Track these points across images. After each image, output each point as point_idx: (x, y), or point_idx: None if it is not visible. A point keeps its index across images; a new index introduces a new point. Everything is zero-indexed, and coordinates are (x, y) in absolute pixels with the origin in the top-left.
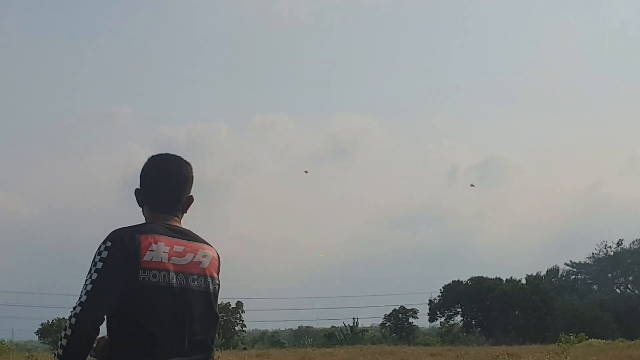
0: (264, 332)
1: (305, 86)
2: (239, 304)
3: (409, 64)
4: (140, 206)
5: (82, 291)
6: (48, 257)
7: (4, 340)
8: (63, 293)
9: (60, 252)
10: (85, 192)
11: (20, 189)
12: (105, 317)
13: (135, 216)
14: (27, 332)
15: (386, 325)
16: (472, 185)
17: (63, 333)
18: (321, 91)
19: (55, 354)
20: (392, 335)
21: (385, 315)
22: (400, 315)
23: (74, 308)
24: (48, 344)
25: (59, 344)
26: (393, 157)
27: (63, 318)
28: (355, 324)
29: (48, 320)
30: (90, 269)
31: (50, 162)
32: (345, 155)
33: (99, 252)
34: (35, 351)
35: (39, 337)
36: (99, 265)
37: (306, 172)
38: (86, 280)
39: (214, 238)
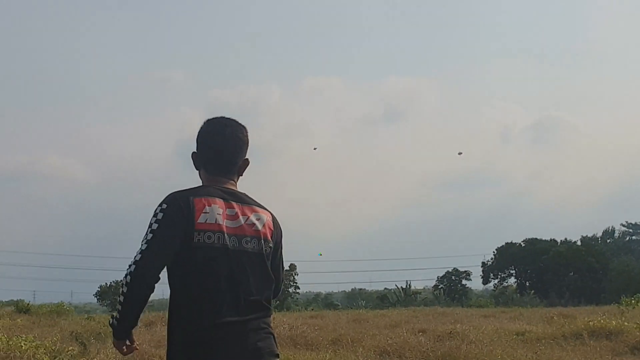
0: (318, 294)
1: (357, 48)
2: (293, 267)
3: (462, 24)
4: (196, 169)
5: (137, 250)
6: (105, 221)
7: (63, 302)
8: (120, 256)
9: (117, 216)
10: (140, 157)
11: (77, 155)
12: (159, 276)
13: (189, 180)
14: (86, 295)
15: (439, 287)
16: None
17: (120, 290)
18: (373, 53)
19: (112, 315)
20: (445, 298)
21: (438, 277)
22: (453, 277)
23: (129, 266)
24: (106, 306)
25: (118, 300)
26: (446, 118)
27: (120, 280)
28: (408, 286)
29: (106, 283)
30: (147, 230)
31: (107, 128)
32: (397, 118)
33: (155, 214)
34: (93, 313)
35: (97, 299)
36: (154, 226)
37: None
38: (142, 240)
39: (266, 201)
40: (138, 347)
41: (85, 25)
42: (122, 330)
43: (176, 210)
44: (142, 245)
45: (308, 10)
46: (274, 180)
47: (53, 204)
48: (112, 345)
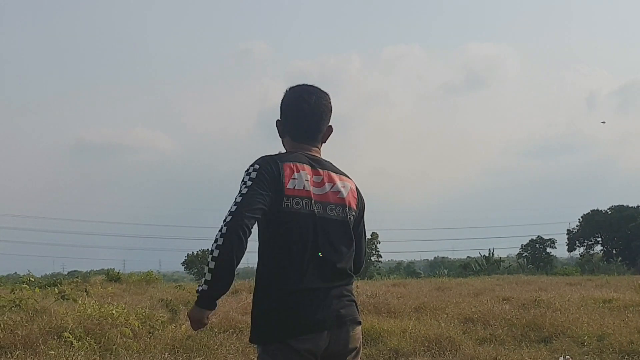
0: (400, 263)
1: (437, 15)
2: (374, 235)
3: None
4: (281, 137)
5: (232, 203)
6: (192, 191)
7: (152, 271)
8: (207, 225)
9: (204, 185)
10: (224, 127)
11: (163, 127)
12: (251, 230)
13: (272, 150)
14: (174, 263)
15: (523, 255)
16: (603, 122)
17: (213, 246)
18: (454, 20)
19: (203, 280)
20: (529, 266)
21: (522, 245)
22: (537, 245)
23: (224, 219)
24: (193, 274)
25: (210, 257)
26: (528, 85)
27: (207, 249)
28: (491, 254)
29: (193, 252)
30: (240, 187)
31: (190, 99)
32: (478, 84)
33: (247, 173)
34: (181, 281)
35: (184, 268)
36: (249, 183)
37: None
38: (236, 195)
39: (347, 171)
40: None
41: (169, 1)
42: (211, 296)
43: (268, 172)
44: (236, 198)
45: None
46: (354, 149)
47: (141, 175)
48: (188, 315)
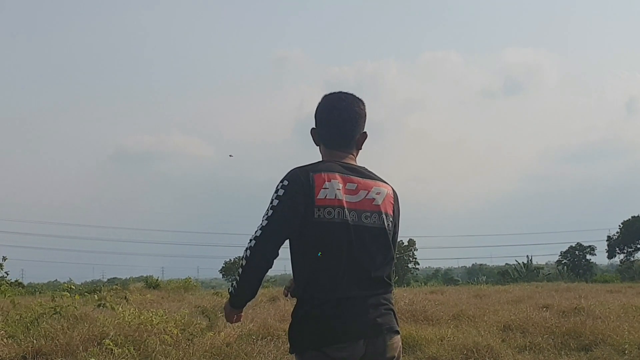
0: (437, 270)
1: (475, 20)
2: (411, 242)
3: None
4: (316, 145)
5: (258, 226)
6: (229, 198)
7: (190, 278)
8: (244, 233)
9: (241, 192)
10: (261, 134)
11: (200, 133)
12: (278, 252)
13: (308, 157)
14: (212, 270)
15: (562, 262)
16: None
17: (240, 263)
18: (491, 25)
19: (232, 284)
20: (569, 273)
21: (561, 252)
22: (576, 252)
23: (250, 241)
24: (230, 281)
25: (237, 272)
26: (567, 89)
27: (241, 255)
28: (529, 261)
29: (230, 259)
30: (268, 206)
31: (227, 107)
32: (517, 90)
33: (276, 190)
34: (219, 288)
35: (222, 275)
36: (275, 202)
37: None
38: (263, 216)
39: (384, 177)
40: (242, 319)
41: (209, 8)
42: (239, 302)
43: (297, 187)
44: (262, 221)
45: None
46: (392, 155)
47: (178, 182)
48: (224, 308)
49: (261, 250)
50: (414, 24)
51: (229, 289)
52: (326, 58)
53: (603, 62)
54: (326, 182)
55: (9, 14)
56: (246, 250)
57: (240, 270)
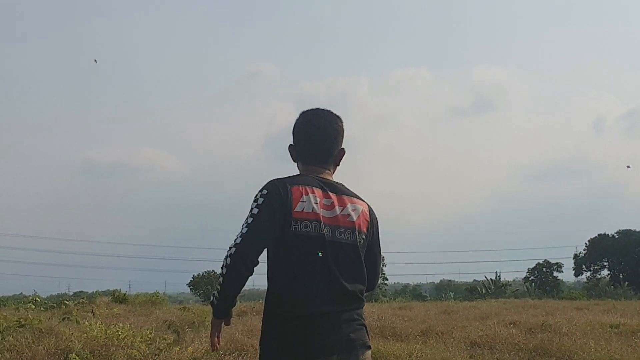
0: (406, 285)
1: (446, 38)
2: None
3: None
4: (294, 161)
5: (238, 234)
6: (197, 213)
7: (158, 292)
8: (212, 247)
9: (209, 206)
10: (231, 148)
11: (169, 147)
12: (258, 260)
13: (278, 172)
14: (179, 285)
15: (529, 279)
16: (628, 167)
17: (220, 272)
18: (461, 43)
19: (213, 294)
20: (536, 290)
21: (528, 269)
22: (544, 269)
23: (230, 249)
24: (199, 296)
25: (218, 281)
26: (536, 108)
27: (213, 271)
28: (497, 277)
29: (199, 273)
30: (247, 214)
31: (197, 120)
32: (486, 108)
33: (255, 199)
34: (187, 302)
35: (190, 289)
36: (255, 210)
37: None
38: (243, 224)
39: (355, 193)
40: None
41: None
42: (222, 310)
43: (276, 197)
44: (242, 228)
45: (394, 2)
46: (362, 171)
47: (147, 196)
48: (210, 323)
49: (242, 257)
50: (384, 41)
51: (210, 299)
52: (298, 73)
53: (572, 81)
54: (304, 196)
55: None
56: (226, 258)
57: (221, 278)
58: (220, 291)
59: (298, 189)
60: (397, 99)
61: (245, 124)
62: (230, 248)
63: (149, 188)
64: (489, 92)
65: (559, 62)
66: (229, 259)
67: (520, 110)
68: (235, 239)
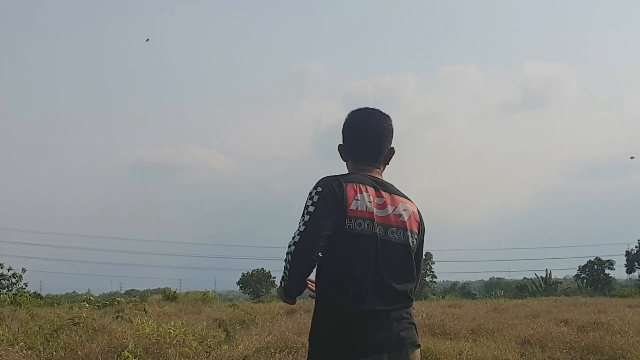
0: (455, 283)
1: (493, 34)
2: (428, 255)
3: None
4: (344, 160)
5: (295, 232)
6: (247, 210)
7: (208, 291)
8: (262, 245)
9: (258, 205)
10: (279, 147)
11: (219, 146)
12: (318, 255)
13: (326, 170)
14: (229, 283)
15: (580, 276)
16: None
17: (283, 271)
18: (510, 39)
19: (281, 284)
20: (587, 287)
21: (579, 266)
22: (595, 266)
23: (289, 246)
24: (248, 294)
25: (282, 276)
26: (587, 104)
27: (262, 269)
28: (548, 275)
29: (248, 271)
30: (303, 213)
31: (246, 120)
32: (536, 104)
33: (310, 197)
34: (236, 300)
35: (239, 287)
36: (311, 208)
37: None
38: (299, 222)
39: (403, 190)
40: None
41: (230, 20)
42: (290, 297)
43: (331, 194)
44: (299, 227)
45: None
46: (411, 168)
47: (196, 195)
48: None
49: (303, 256)
50: (432, 38)
51: (278, 287)
52: (345, 71)
53: (622, 75)
54: (358, 194)
55: (22, 14)
56: (287, 254)
57: (285, 273)
58: (286, 287)
59: (352, 187)
60: (445, 96)
61: (292, 123)
62: (289, 246)
63: (199, 187)
64: (539, 88)
65: (609, 56)
66: (289, 256)
67: (571, 107)
68: (294, 237)
